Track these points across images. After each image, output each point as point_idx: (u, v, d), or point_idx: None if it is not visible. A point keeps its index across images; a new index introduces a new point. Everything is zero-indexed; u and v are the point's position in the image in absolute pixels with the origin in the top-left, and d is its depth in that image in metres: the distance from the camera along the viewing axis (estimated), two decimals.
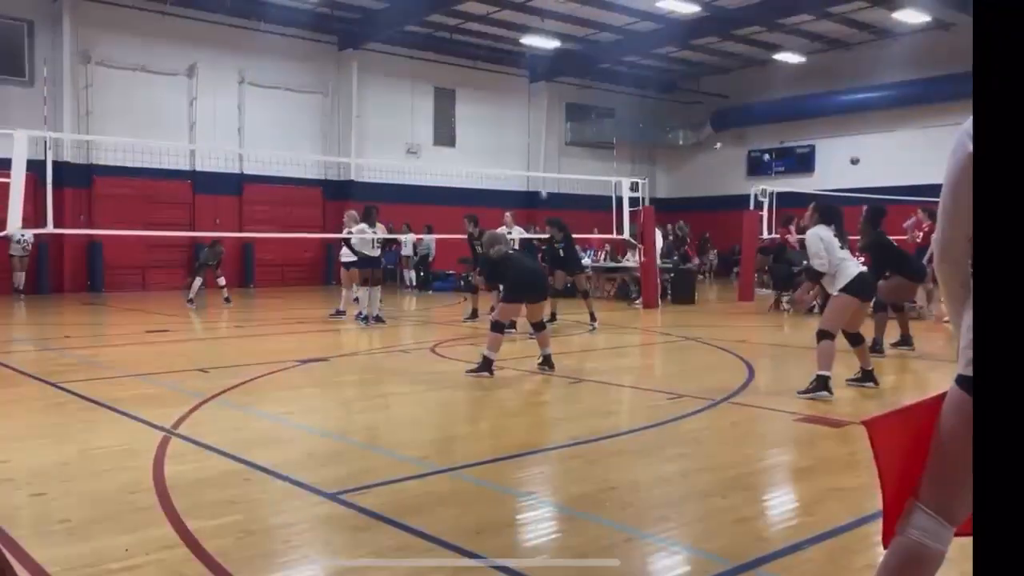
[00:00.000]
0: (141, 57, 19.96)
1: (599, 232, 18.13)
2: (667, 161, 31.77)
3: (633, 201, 15.88)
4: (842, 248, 6.76)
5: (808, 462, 4.88)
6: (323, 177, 23.14)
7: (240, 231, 20.56)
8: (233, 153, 20.58)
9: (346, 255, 12.97)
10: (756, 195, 17.76)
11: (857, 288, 6.65)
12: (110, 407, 6.07)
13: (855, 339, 7.09)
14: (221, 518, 3.66)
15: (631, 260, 17.23)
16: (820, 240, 6.71)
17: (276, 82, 22.11)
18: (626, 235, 16.04)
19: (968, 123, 2.02)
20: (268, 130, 21.43)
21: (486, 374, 7.58)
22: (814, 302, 12.03)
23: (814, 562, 3.28)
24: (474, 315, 12.53)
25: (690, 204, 28.91)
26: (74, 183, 18.77)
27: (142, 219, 18.47)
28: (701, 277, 24.35)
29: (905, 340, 9.57)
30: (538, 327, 8.18)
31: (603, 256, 18.99)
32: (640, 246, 15.85)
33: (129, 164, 18.01)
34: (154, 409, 5.94)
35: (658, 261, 16.03)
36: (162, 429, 5.32)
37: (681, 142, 30.57)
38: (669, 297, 16.59)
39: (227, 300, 15.48)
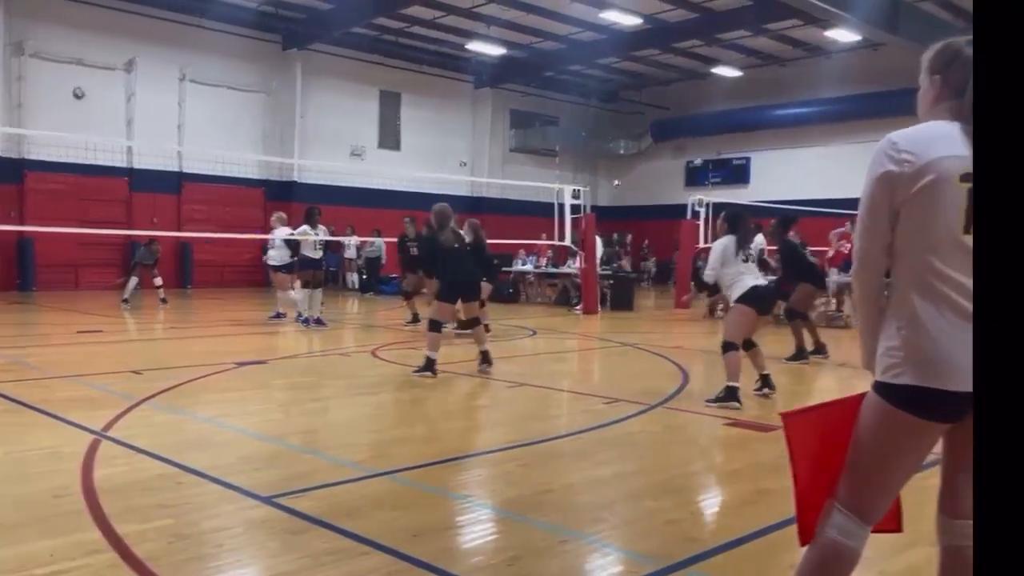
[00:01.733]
0: (77, 50, 19.44)
1: (546, 238, 18.27)
2: (609, 170, 32.14)
3: (575, 208, 16.05)
4: (744, 260, 6.81)
5: (737, 465, 5.01)
6: (265, 177, 22.81)
7: (178, 230, 20.16)
8: (172, 151, 20.17)
9: (274, 258, 12.81)
10: (693, 205, 18.11)
11: (750, 299, 6.75)
12: (38, 409, 5.92)
13: (747, 344, 7.13)
14: (151, 522, 3.61)
15: (572, 266, 17.40)
16: (720, 251, 6.83)
17: (218, 80, 21.76)
18: (567, 242, 16.20)
19: (886, 140, 2.13)
20: (209, 128, 21.05)
21: (429, 374, 7.65)
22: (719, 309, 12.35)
23: (741, 561, 3.38)
24: (415, 320, 12.49)
25: (630, 213, 29.35)
26: (4, 178, 18.23)
27: (76, 216, 18.01)
28: (642, 284, 24.71)
29: (819, 349, 9.68)
30: (472, 324, 8.28)
31: (545, 262, 19.14)
32: (581, 253, 16.02)
33: (63, 159, 17.54)
34: (84, 411, 5.81)
35: (598, 268, 16.23)
36: (92, 432, 5.21)
37: (622, 151, 31.03)
38: (608, 303, 16.79)
39: (163, 301, 15.17)
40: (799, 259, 9.97)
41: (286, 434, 5.63)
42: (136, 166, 20.30)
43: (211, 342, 10.90)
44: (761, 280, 7.02)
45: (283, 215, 13.26)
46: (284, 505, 3.88)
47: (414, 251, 12.94)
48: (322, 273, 12.98)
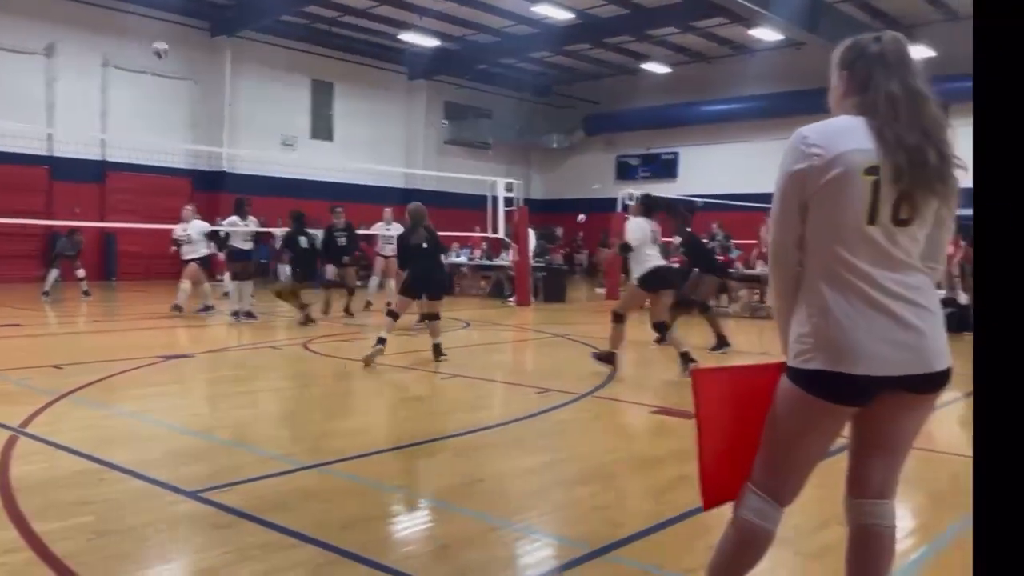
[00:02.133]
0: None
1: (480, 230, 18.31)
2: (542, 163, 32.39)
3: (508, 201, 16.11)
4: (654, 243, 7.64)
5: (661, 451, 5.13)
6: (193, 167, 22.26)
7: (102, 221, 19.56)
8: (95, 139, 19.53)
9: (188, 252, 12.58)
10: (624, 199, 18.36)
11: (648, 281, 7.57)
12: None
13: (660, 327, 7.90)
14: (71, 519, 3.53)
15: (505, 259, 17.46)
16: (639, 228, 7.62)
17: (143, 67, 21.04)
18: (501, 234, 16.26)
19: (796, 134, 2.21)
20: (134, 116, 20.47)
21: (380, 347, 8.04)
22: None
23: (664, 544, 3.48)
24: (310, 315, 11.82)
25: (563, 206, 29.59)
26: None
27: None
28: (575, 275, 24.95)
29: (721, 343, 9.57)
30: (432, 317, 8.56)
31: (479, 255, 19.17)
32: (514, 245, 16.09)
33: None
34: (0, 407, 5.62)
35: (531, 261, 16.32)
36: (9, 428, 5.05)
37: (555, 145, 31.23)
38: (541, 295, 16.91)
39: (86, 293, 14.72)
40: (701, 249, 10.42)
41: (213, 428, 5.55)
42: (57, 154, 19.59)
43: (136, 335, 10.64)
44: (662, 262, 7.82)
45: (191, 208, 13.13)
46: (211, 499, 3.84)
47: (342, 241, 12.96)
48: (252, 265, 12.76)
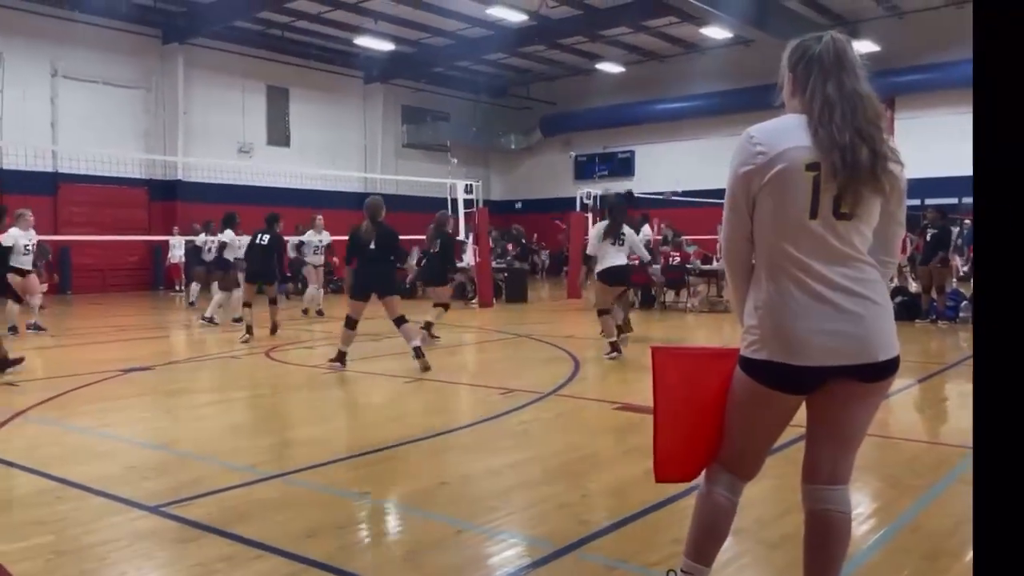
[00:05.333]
0: None
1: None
2: (500, 164, 32.44)
3: (468, 203, 16.11)
4: (612, 243, 8.47)
5: (625, 447, 5.18)
6: (149, 177, 21.95)
7: (55, 234, 19.16)
8: (45, 150, 19.13)
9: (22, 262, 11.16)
10: (582, 198, 18.47)
11: (604, 276, 8.55)
12: None
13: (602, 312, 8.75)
14: (28, 540, 3.47)
15: (466, 261, 17.45)
16: (596, 233, 8.64)
17: (94, 75, 20.77)
18: (461, 236, 16.24)
19: (744, 134, 2.27)
20: (86, 126, 20.12)
21: (339, 365, 8.16)
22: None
23: (629, 539, 3.52)
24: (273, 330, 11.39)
25: (522, 206, 29.66)
26: None
27: None
28: (536, 276, 25.03)
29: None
30: (398, 322, 8.33)
31: None
32: (474, 247, 16.09)
33: None
34: None
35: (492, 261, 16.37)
36: None
37: (513, 146, 31.34)
38: (504, 296, 16.94)
39: (40, 307, 14.39)
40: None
41: (174, 441, 5.47)
42: (6, 167, 19.17)
43: (93, 349, 10.46)
44: (620, 261, 8.57)
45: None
46: (173, 514, 3.80)
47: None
48: (234, 274, 12.67)
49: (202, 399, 7.19)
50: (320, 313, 14.10)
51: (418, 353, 8.12)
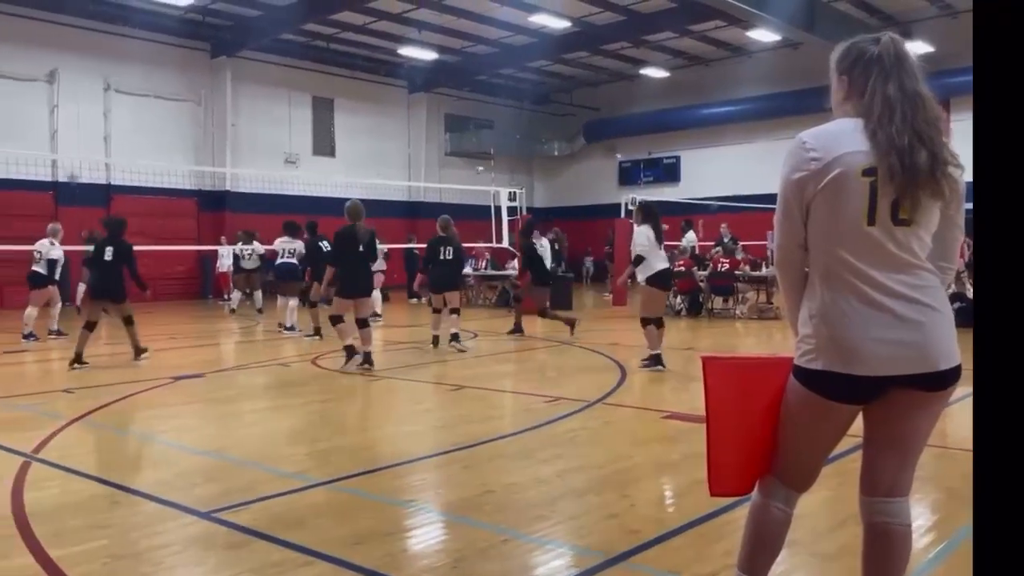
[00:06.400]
0: None
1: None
2: (543, 171, 32.43)
3: (511, 210, 16.12)
4: (659, 247, 8.25)
5: (674, 457, 5.12)
6: (197, 187, 22.37)
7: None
8: (100, 163, 19.63)
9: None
10: (627, 204, 18.36)
11: (659, 279, 8.24)
12: None
13: (659, 322, 8.46)
14: (86, 544, 3.53)
15: (511, 268, 17.46)
16: (646, 237, 8.21)
17: (145, 89, 21.26)
18: (505, 243, 16.26)
19: (796, 139, 2.23)
20: (137, 139, 20.57)
21: (359, 357, 8.61)
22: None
23: (679, 550, 3.47)
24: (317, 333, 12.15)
25: (566, 213, 29.61)
26: None
27: None
28: (582, 283, 24.96)
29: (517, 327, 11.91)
30: (361, 324, 8.79)
31: (484, 264, 19.18)
32: (519, 254, 16.07)
33: None
34: (12, 433, 5.65)
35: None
36: (21, 454, 5.06)
37: (556, 153, 31.29)
38: (548, 303, 16.85)
39: (105, 311, 14.73)
40: (537, 260, 12.01)
41: (225, 447, 5.55)
42: (62, 179, 19.70)
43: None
44: (666, 264, 8.38)
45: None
46: (224, 519, 3.84)
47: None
48: (302, 284, 12.82)
49: (251, 406, 7.29)
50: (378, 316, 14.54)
51: (367, 359, 8.67)
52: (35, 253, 11.95)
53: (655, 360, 8.27)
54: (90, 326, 9.21)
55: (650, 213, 8.53)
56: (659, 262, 8.26)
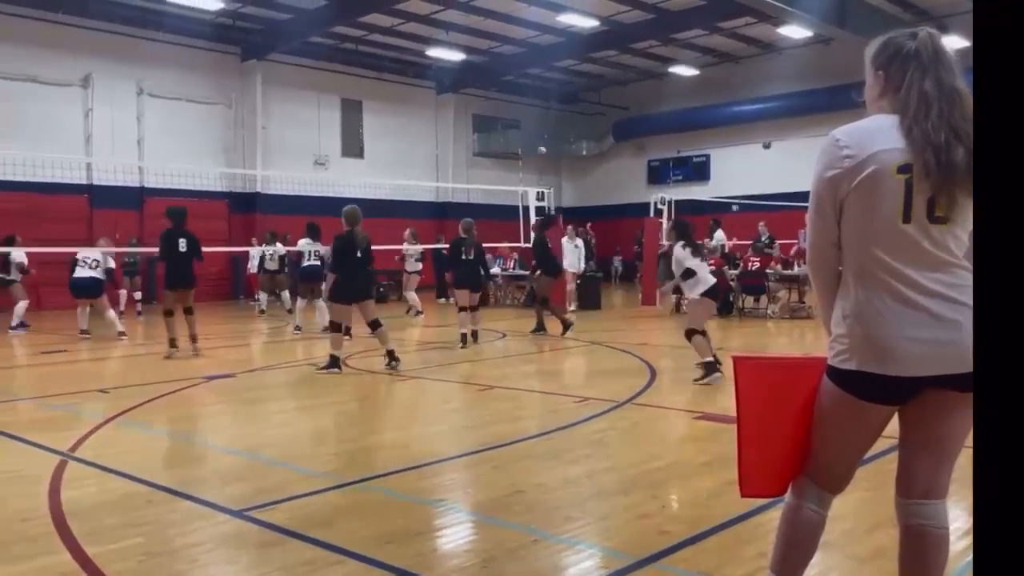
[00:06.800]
0: (31, 67, 19.15)
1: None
2: (571, 170, 32.35)
3: (539, 210, 16.11)
4: (700, 260, 7.94)
5: (705, 457, 5.08)
6: (228, 190, 22.63)
7: (141, 246, 19.88)
8: (133, 166, 19.92)
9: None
10: (656, 203, 18.29)
11: (713, 293, 7.92)
12: (2, 432, 5.82)
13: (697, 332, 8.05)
14: (122, 541, 3.58)
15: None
16: (685, 256, 7.87)
17: (177, 93, 21.54)
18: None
19: (830, 136, 2.20)
20: (170, 142, 20.84)
21: (336, 370, 8.48)
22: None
23: (711, 552, 3.44)
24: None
25: (594, 212, 29.52)
26: None
27: (32, 235, 17.66)
28: (611, 282, 24.88)
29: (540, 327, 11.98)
30: (374, 325, 8.82)
31: (512, 264, 19.19)
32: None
33: (19, 178, 17.19)
34: (49, 432, 5.74)
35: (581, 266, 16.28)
36: (58, 453, 5.15)
37: (585, 152, 31.18)
38: (577, 303, 16.85)
39: (120, 314, 14.97)
40: (547, 251, 12.26)
41: (257, 447, 5.59)
42: (96, 182, 20.01)
43: (180, 357, 10.77)
44: (713, 278, 7.99)
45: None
46: (256, 518, 3.88)
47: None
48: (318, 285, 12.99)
49: (281, 406, 7.35)
50: (419, 313, 15.13)
51: (392, 356, 8.69)
52: (92, 261, 12.63)
53: (710, 368, 7.61)
54: (170, 312, 10.25)
55: (683, 233, 8.16)
56: (709, 275, 7.95)
